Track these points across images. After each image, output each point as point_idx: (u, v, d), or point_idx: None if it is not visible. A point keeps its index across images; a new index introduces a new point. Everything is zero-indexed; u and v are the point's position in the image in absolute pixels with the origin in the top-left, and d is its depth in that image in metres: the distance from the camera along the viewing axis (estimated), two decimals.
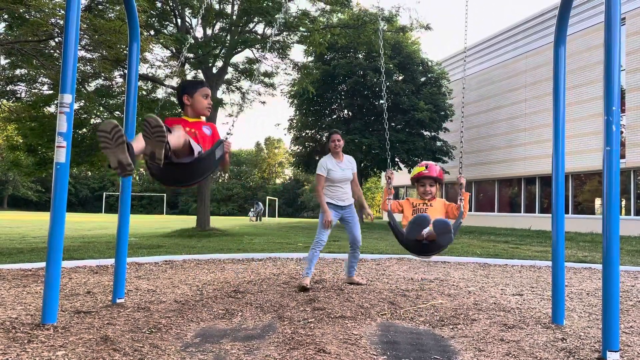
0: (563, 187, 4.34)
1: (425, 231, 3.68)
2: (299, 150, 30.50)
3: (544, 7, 25.35)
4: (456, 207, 3.99)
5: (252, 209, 40.01)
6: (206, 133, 3.60)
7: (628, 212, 20.87)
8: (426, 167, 4.12)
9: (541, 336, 3.86)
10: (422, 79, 27.83)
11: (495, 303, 5.15)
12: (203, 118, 3.79)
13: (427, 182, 4.10)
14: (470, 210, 30.31)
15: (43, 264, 6.75)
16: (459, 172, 4.15)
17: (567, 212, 22.76)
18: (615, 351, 3.28)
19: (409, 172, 28.00)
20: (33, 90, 12.78)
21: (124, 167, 2.69)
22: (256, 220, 37.35)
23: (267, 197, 51.39)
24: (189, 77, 17.13)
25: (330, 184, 5.97)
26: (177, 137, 3.03)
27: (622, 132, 20.75)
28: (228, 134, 3.65)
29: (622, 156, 20.38)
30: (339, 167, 5.98)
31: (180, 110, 3.57)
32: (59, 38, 9.77)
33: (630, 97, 20.52)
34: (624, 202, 21.11)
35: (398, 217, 4.27)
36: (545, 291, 5.94)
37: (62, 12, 8.74)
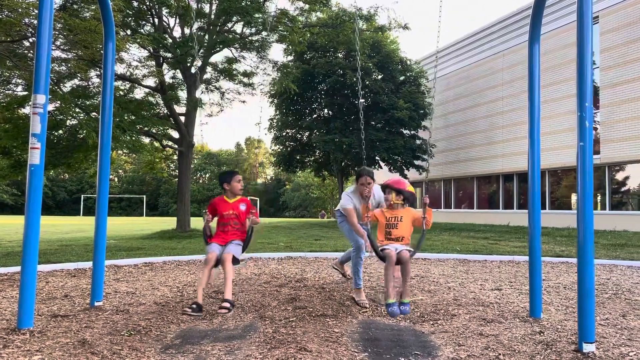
0: (539, 184, 4.41)
1: (396, 248, 4.35)
2: (279, 149, 30.43)
3: (520, 6, 25.69)
4: (421, 220, 4.45)
5: None
6: (242, 209, 4.93)
7: (603, 207, 21.28)
8: (392, 181, 4.58)
9: (519, 330, 3.92)
10: (401, 78, 27.97)
11: (474, 298, 5.21)
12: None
13: (386, 190, 4.57)
14: (449, 207, 30.61)
15: (19, 268, 6.63)
16: (425, 193, 4.38)
17: (544, 207, 23.13)
18: (591, 343, 3.34)
19: (390, 170, 28.09)
20: (7, 92, 12.54)
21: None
22: None
23: (249, 197, 51.14)
24: (167, 78, 16.99)
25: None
26: (230, 280, 4.46)
27: (596, 129, 21.15)
28: (252, 212, 4.92)
29: (597, 152, 20.77)
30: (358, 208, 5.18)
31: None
32: (33, 38, 9.60)
33: (604, 94, 20.93)
34: (599, 198, 21.52)
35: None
36: (524, 286, 6.02)
37: (36, 11, 8.58)
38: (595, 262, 7.54)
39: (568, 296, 5.41)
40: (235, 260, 4.60)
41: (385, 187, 4.61)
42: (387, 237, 4.45)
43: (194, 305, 4.26)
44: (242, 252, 4.76)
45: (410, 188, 4.63)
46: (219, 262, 4.54)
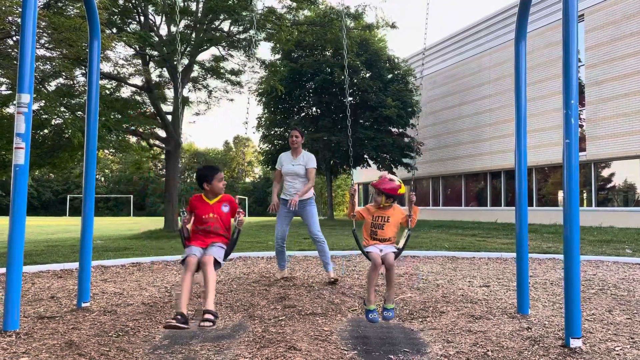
0: (526, 181, 4.45)
1: (381, 250, 4.20)
2: (267, 148, 30.37)
3: (507, 4, 25.88)
4: (407, 219, 4.34)
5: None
6: (224, 211, 4.24)
7: (590, 204, 21.52)
8: (379, 179, 4.37)
9: (507, 326, 3.95)
10: (389, 76, 28.05)
11: (463, 295, 5.24)
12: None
13: (375, 191, 4.38)
14: (437, 205, 30.76)
15: (4, 270, 6.55)
16: (411, 190, 4.42)
17: (531, 204, 23.34)
18: (578, 338, 3.38)
19: (378, 168, 28.15)
20: None
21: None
22: None
23: (237, 196, 50.98)
24: (153, 76, 16.86)
25: (283, 177, 6.18)
26: (212, 288, 3.79)
27: (582, 126, 21.37)
28: (238, 212, 4.24)
29: (583, 149, 20.98)
30: (291, 162, 6.10)
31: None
32: (17, 37, 9.48)
33: (589, 92, 21.16)
34: (585, 194, 21.75)
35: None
36: (511, 282, 6.07)
37: (20, 10, 8.47)
38: (581, 258, 7.61)
39: (555, 292, 5.46)
40: (217, 264, 3.98)
41: (376, 189, 4.43)
42: (373, 236, 4.30)
43: (179, 317, 3.46)
44: (225, 257, 4.10)
45: (402, 190, 4.47)
46: (199, 266, 3.92)
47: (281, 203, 6.16)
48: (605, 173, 21.57)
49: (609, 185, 21.55)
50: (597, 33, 20.96)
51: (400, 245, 4.31)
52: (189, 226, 4.24)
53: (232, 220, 4.29)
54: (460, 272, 7.00)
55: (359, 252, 8.64)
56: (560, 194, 23.25)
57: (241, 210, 4.29)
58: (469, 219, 26.36)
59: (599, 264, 7.97)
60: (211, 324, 3.47)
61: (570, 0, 3.45)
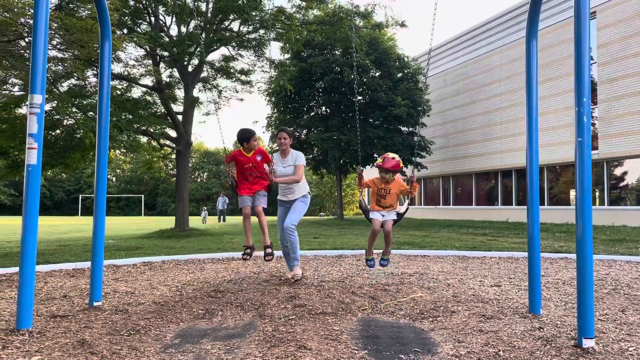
0: (537, 179, 4.41)
1: (381, 217, 5.45)
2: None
3: (518, 2, 25.69)
4: (407, 190, 5.44)
5: (204, 208, 31.83)
6: (259, 160, 5.76)
7: (602, 203, 21.31)
8: (383, 160, 5.43)
9: (519, 326, 3.92)
10: (399, 75, 27.95)
11: (473, 295, 5.21)
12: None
13: (382, 170, 5.42)
14: (448, 204, 30.62)
15: (17, 269, 6.62)
16: (412, 173, 5.72)
17: (542, 203, 23.16)
18: (591, 338, 3.34)
19: None
20: (3, 92, 12.50)
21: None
22: (219, 220, 31.05)
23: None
24: (164, 77, 16.93)
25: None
26: (265, 227, 5.73)
27: (594, 124, 21.17)
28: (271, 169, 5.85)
29: (595, 148, 20.80)
30: (282, 164, 6.10)
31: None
32: (29, 38, 9.57)
33: (601, 90, 20.95)
34: (597, 193, 21.55)
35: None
36: (523, 282, 6.03)
37: (32, 11, 8.55)
38: (594, 258, 7.54)
39: (567, 292, 5.41)
40: (264, 210, 5.63)
41: (382, 169, 5.41)
42: (377, 203, 5.47)
43: (248, 250, 5.58)
44: (266, 203, 5.72)
45: (397, 159, 5.45)
46: (254, 211, 5.60)
47: (279, 204, 6.25)
48: (617, 171, 21.34)
49: (621, 184, 21.33)
50: (609, 30, 20.75)
51: (402, 210, 5.47)
52: (234, 174, 5.76)
53: (266, 166, 5.76)
54: (471, 272, 6.97)
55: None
56: (572, 193, 23.05)
57: (272, 162, 5.85)
58: (479, 218, 26.23)
59: (612, 264, 7.89)
60: (271, 256, 5.50)
61: None
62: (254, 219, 5.59)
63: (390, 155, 5.50)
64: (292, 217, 6.00)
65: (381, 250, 5.80)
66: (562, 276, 6.54)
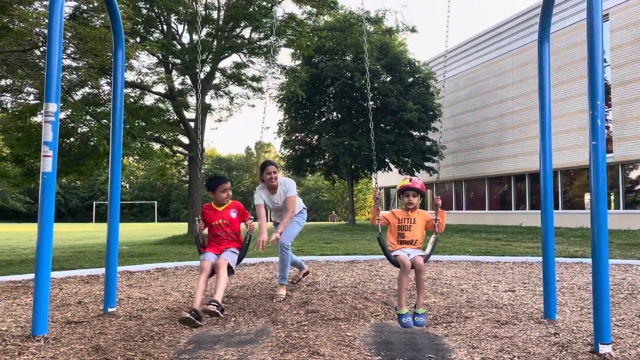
0: (551, 183, 4.37)
1: (409, 254, 4.16)
2: (289, 153, 30.48)
3: (529, 5, 25.56)
4: (433, 223, 4.32)
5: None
6: (233, 217, 4.68)
7: (617, 206, 21.04)
8: (410, 180, 4.41)
9: (534, 331, 3.88)
10: (410, 80, 27.91)
11: (487, 300, 5.17)
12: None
13: (410, 193, 4.34)
14: (461, 208, 30.43)
15: (33, 276, 6.69)
16: (436, 195, 4.65)
17: (557, 207, 22.92)
18: (607, 344, 3.30)
19: (400, 172, 27.98)
20: (19, 101, 12.69)
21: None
22: None
23: (258, 223, 51.13)
24: (176, 84, 17.08)
25: (270, 210, 5.82)
26: (223, 284, 4.19)
27: (608, 127, 20.94)
28: (249, 219, 4.73)
29: (610, 151, 20.56)
30: (272, 199, 5.64)
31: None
32: (44, 47, 9.70)
33: (615, 92, 20.73)
34: (612, 197, 21.29)
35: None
36: (537, 287, 5.97)
37: (46, 21, 8.67)
38: (610, 262, 7.45)
39: (583, 297, 5.35)
40: (231, 270, 4.37)
41: (412, 191, 4.35)
42: (400, 239, 4.24)
43: (192, 312, 3.83)
44: (238, 262, 4.52)
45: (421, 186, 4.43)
46: (214, 270, 4.32)
47: (274, 224, 5.89)
48: (633, 175, 21.07)
49: (637, 187, 21.03)
50: (622, 32, 20.55)
51: (428, 250, 4.26)
52: (205, 232, 4.68)
53: (242, 224, 4.68)
54: (484, 277, 6.91)
55: (382, 256, 8.57)
56: (587, 197, 22.79)
57: (250, 216, 4.71)
58: (493, 223, 26.02)
59: (628, 268, 7.79)
60: (215, 309, 3.88)
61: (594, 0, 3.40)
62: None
63: (411, 178, 4.48)
64: (288, 234, 5.61)
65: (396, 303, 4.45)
66: (578, 281, 6.46)
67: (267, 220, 5.89)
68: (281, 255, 5.55)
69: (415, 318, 4.01)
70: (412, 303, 4.37)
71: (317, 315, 4.46)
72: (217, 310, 3.87)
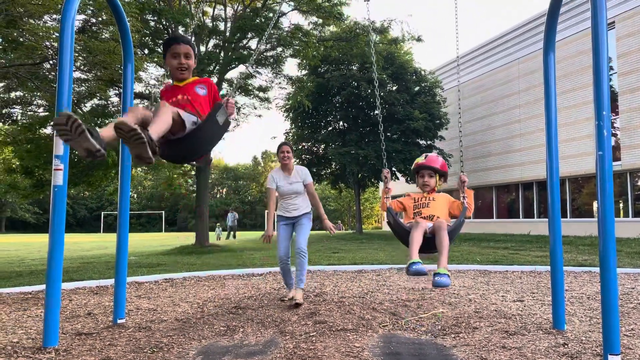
0: (558, 192, 4.37)
1: (429, 226, 3.61)
2: (296, 162, 30.56)
3: (535, 13, 25.59)
4: (459, 203, 3.78)
5: (218, 225, 32.23)
6: (199, 93, 3.26)
7: (626, 214, 20.89)
8: (425, 157, 3.91)
9: (543, 342, 3.87)
10: (416, 89, 27.98)
11: (496, 310, 5.15)
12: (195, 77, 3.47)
13: (425, 173, 3.84)
14: (468, 217, 30.31)
15: (43, 287, 6.73)
16: (461, 171, 4.00)
17: (565, 216, 22.78)
18: (617, 354, 3.28)
19: (407, 181, 27.92)
20: (29, 113, 12.83)
21: (93, 154, 2.49)
22: (228, 237, 29.76)
23: (266, 211, 51.37)
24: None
25: (280, 196, 5.88)
26: (162, 122, 2.70)
27: (616, 135, 20.85)
28: (225, 96, 3.33)
29: (618, 159, 20.45)
30: (287, 181, 5.81)
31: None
32: (54, 60, 9.83)
33: (623, 100, 20.67)
34: (621, 205, 21.15)
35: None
36: (546, 296, 5.94)
37: (56, 34, 8.80)
38: (618, 271, 7.40)
39: (592, 306, 5.32)
40: (182, 126, 2.89)
41: (428, 169, 3.83)
42: (416, 218, 3.70)
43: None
44: (198, 127, 3.04)
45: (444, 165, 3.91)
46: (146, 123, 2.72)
47: (279, 220, 5.91)
48: None
49: None
50: (629, 40, 20.52)
51: (453, 225, 3.68)
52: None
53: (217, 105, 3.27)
54: (492, 287, 6.89)
55: (389, 266, 8.55)
56: (595, 205, 22.65)
57: (230, 100, 3.27)
58: (500, 231, 25.89)
59: (638, 277, 7.73)
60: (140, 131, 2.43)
61: (599, 8, 3.41)
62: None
63: (432, 154, 4.00)
64: (303, 237, 5.72)
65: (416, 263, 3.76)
66: (587, 290, 6.43)
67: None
68: (299, 260, 5.67)
69: (436, 278, 3.50)
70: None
71: (325, 326, 4.47)
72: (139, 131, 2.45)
